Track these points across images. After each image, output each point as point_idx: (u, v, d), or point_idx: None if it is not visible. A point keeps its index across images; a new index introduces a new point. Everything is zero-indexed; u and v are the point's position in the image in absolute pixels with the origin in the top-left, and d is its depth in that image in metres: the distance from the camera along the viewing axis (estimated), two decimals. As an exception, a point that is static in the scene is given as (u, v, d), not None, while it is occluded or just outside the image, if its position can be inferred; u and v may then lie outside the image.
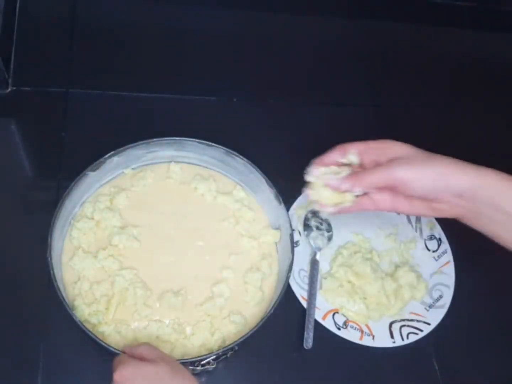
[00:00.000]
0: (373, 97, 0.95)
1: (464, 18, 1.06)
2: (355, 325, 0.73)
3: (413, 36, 1.03)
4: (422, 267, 0.79)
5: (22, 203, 0.75)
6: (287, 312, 0.72)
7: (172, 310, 0.69)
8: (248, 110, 0.89)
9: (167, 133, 0.74)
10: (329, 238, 0.79)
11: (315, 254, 0.77)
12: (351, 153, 0.60)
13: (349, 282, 0.75)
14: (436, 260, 0.80)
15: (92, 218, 0.72)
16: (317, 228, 0.79)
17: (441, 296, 0.77)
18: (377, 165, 0.59)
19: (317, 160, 0.60)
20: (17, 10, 0.88)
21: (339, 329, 0.72)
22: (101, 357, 0.67)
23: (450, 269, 0.79)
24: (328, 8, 1.00)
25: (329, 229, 0.79)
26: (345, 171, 0.60)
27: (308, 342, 0.70)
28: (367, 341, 0.72)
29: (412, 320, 0.75)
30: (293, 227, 0.74)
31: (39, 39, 0.87)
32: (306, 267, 0.77)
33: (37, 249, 0.69)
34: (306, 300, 0.73)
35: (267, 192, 0.74)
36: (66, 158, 0.78)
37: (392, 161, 0.57)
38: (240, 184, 0.78)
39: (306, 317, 0.72)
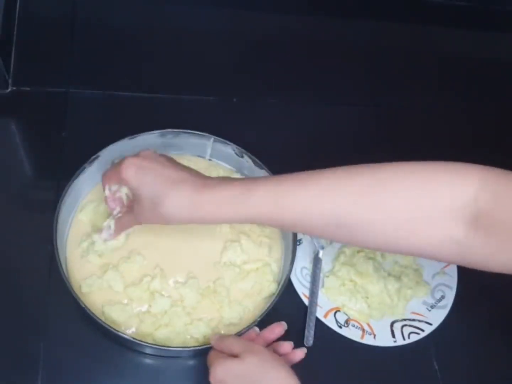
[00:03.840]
0: (373, 97, 0.95)
1: (464, 18, 1.06)
2: (356, 324, 0.73)
3: (413, 36, 1.03)
4: (425, 268, 0.79)
5: (22, 203, 0.75)
6: (289, 310, 0.72)
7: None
8: (248, 110, 0.89)
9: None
10: (332, 237, 0.79)
11: (318, 252, 0.77)
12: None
13: (351, 281, 0.75)
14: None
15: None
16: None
17: (443, 297, 0.77)
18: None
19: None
20: (17, 10, 0.88)
21: (340, 327, 0.72)
22: (101, 357, 0.67)
23: (453, 270, 0.78)
24: (328, 7, 1.00)
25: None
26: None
27: (309, 340, 0.70)
28: (368, 340, 0.72)
29: (413, 320, 0.75)
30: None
31: (39, 39, 0.87)
32: (309, 265, 0.76)
33: (37, 249, 0.69)
34: (308, 298, 0.73)
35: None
36: (66, 158, 0.77)
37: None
38: None
39: (308, 315, 0.72)
